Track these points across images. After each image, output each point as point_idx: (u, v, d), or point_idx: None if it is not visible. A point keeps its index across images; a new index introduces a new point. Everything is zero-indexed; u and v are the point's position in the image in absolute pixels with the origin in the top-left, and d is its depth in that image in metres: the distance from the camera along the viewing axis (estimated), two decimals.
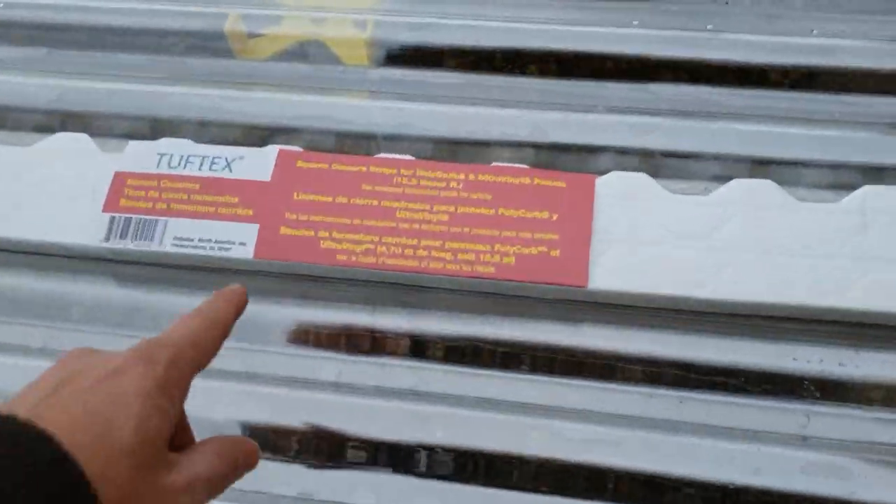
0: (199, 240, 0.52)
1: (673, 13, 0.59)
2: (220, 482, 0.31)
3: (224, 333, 0.34)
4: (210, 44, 0.61)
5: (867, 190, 0.49)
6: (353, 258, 0.50)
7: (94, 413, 0.27)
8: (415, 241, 0.50)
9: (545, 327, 0.50)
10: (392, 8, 0.61)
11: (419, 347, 0.51)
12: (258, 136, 0.58)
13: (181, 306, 0.52)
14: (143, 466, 0.28)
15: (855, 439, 0.46)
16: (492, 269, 0.49)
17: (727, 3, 0.59)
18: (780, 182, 0.52)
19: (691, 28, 0.58)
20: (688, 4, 0.59)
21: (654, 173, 0.54)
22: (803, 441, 0.46)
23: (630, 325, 0.49)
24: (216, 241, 0.51)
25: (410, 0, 0.61)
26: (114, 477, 0.26)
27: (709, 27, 0.58)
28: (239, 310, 0.36)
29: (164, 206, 0.53)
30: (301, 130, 0.58)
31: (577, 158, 0.55)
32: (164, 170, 0.54)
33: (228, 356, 0.48)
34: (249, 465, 0.33)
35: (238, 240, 0.51)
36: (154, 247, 0.52)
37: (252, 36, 0.60)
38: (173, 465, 0.29)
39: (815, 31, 0.56)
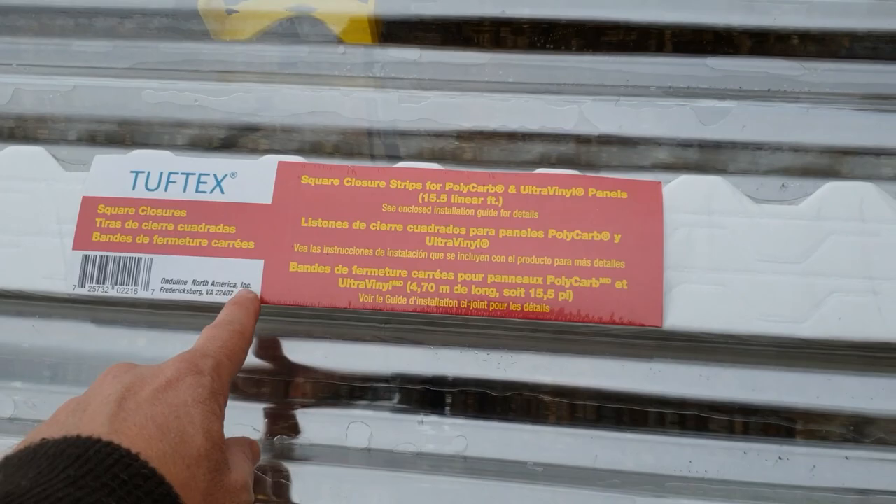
0: (194, 282, 0.41)
1: None
2: (252, 479, 0.34)
3: (249, 341, 0.36)
4: (183, 25, 0.49)
5: None
6: (380, 299, 0.41)
7: (165, 425, 0.28)
8: (451, 276, 0.41)
9: (609, 369, 0.41)
10: None
11: (458, 400, 0.42)
12: (246, 137, 0.47)
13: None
14: (215, 469, 0.29)
15: None
16: (546, 308, 0.40)
17: None
18: (870, 175, 0.43)
19: None
20: None
21: (723, 169, 0.44)
22: None
23: (714, 363, 0.41)
24: (214, 284, 0.41)
25: None
26: (193, 483, 0.28)
27: None
28: (256, 316, 0.38)
29: (147, 239, 0.42)
30: (297, 129, 0.47)
31: (632, 153, 0.45)
32: (141, 193, 0.43)
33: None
34: (258, 460, 0.37)
35: (240, 280, 0.41)
36: (140, 293, 0.42)
37: (231, 13, 0.49)
38: (230, 466, 0.31)
39: None
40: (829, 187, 0.40)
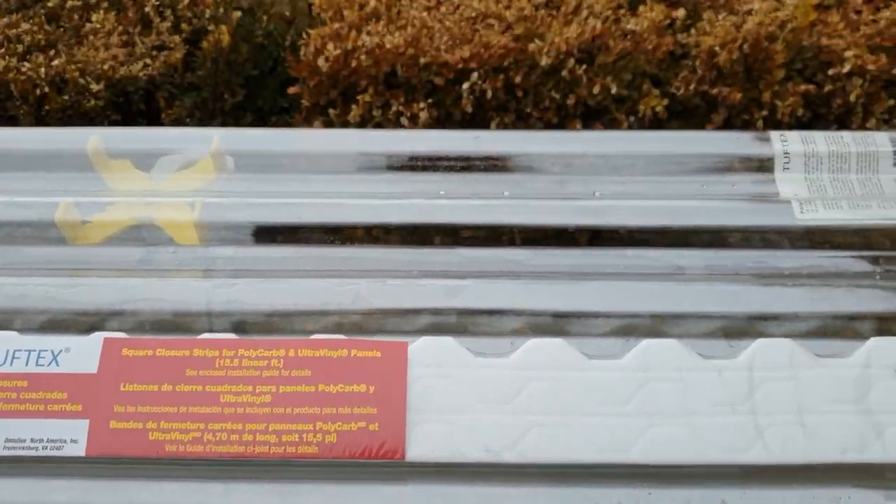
0: (31, 440, 0.47)
1: (476, 181, 0.58)
2: None
3: None
4: (43, 233, 0.57)
5: (647, 344, 0.48)
6: (182, 448, 0.47)
7: None
8: (240, 426, 0.47)
9: (365, 493, 0.47)
10: (220, 189, 0.58)
11: None
12: (93, 322, 0.54)
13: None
14: None
15: None
16: (315, 449, 0.47)
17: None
18: (577, 332, 0.52)
19: (491, 195, 0.57)
20: (488, 173, 0.58)
21: (465, 330, 0.53)
22: None
23: (453, 484, 0.47)
24: (48, 440, 0.47)
25: (239, 181, 0.59)
26: None
27: (506, 193, 0.57)
28: None
29: None
30: (135, 313, 0.54)
31: (399, 321, 0.53)
32: None
33: None
34: None
35: (69, 437, 0.47)
36: None
37: (86, 223, 0.57)
38: None
39: (597, 194, 0.57)
40: (531, 343, 0.49)
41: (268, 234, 0.57)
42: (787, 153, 0.56)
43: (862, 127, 0.98)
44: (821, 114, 1.01)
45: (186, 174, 0.60)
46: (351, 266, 0.56)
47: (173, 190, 0.59)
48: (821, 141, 0.56)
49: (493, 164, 0.59)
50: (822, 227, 0.53)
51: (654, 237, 0.55)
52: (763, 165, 0.57)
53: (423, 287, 0.54)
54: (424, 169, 0.59)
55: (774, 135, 0.57)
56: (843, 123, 1.00)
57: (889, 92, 0.98)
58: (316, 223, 0.56)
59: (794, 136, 0.57)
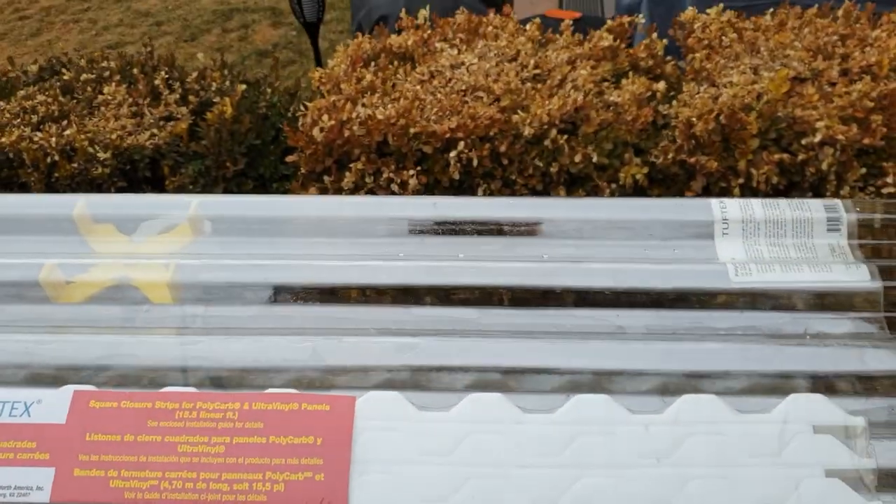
0: (1, 487, 0.50)
1: (433, 245, 0.62)
2: None
3: None
4: (26, 292, 0.61)
5: (579, 399, 0.51)
6: (140, 495, 0.50)
7: None
8: (194, 475, 0.50)
9: None
10: (195, 251, 0.63)
11: None
12: (71, 377, 0.57)
13: None
14: None
15: None
16: (264, 498, 0.49)
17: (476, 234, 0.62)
18: (523, 389, 0.55)
19: (446, 257, 0.61)
20: (445, 236, 0.62)
21: (417, 386, 0.55)
22: None
23: None
24: (16, 488, 0.50)
25: (214, 243, 0.63)
26: None
27: (460, 256, 0.61)
28: None
29: None
30: (111, 368, 0.58)
31: (353, 377, 0.56)
32: None
33: None
34: None
35: (35, 484, 0.50)
36: None
37: (69, 283, 0.61)
38: None
39: (545, 257, 0.60)
40: (470, 398, 0.52)
41: (235, 294, 0.60)
42: (725, 219, 0.59)
43: (836, 194, 1.01)
44: (796, 182, 1.04)
45: (165, 237, 0.64)
46: (310, 324, 0.59)
47: (151, 252, 0.63)
48: (758, 207, 0.60)
49: (450, 229, 0.63)
50: (756, 289, 0.56)
51: (598, 298, 0.58)
52: (703, 231, 0.60)
53: (378, 345, 0.57)
54: (385, 233, 0.63)
55: (714, 202, 0.60)
56: (817, 191, 1.03)
57: (861, 161, 1.01)
58: (280, 283, 0.60)
59: (732, 202, 0.60)
